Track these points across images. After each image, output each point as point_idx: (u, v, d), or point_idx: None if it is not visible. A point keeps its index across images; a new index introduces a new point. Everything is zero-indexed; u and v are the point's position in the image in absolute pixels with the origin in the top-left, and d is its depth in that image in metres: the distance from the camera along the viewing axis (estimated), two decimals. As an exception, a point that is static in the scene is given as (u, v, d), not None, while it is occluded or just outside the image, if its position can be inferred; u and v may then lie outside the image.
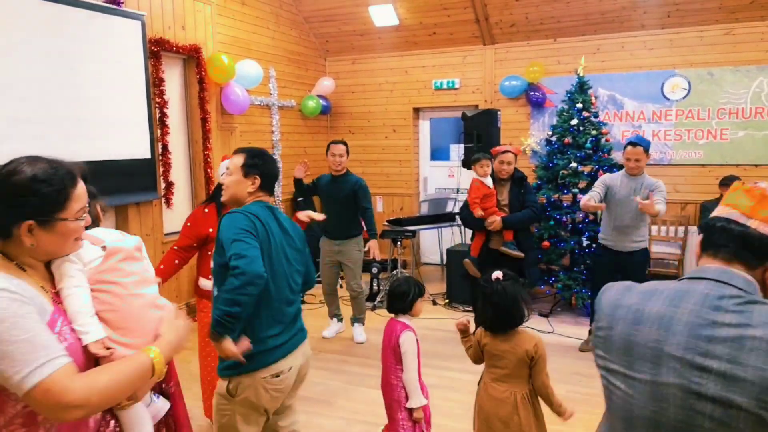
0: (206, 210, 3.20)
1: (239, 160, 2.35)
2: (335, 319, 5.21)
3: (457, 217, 6.21)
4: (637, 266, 4.35)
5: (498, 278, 2.48)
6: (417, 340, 2.78)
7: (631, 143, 4.31)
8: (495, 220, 4.47)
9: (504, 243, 4.55)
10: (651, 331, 1.20)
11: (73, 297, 1.38)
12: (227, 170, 2.43)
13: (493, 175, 4.60)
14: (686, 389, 1.14)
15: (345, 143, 4.86)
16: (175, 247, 3.19)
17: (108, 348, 1.38)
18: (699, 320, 1.16)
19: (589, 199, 4.31)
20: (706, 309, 1.16)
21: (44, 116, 4.18)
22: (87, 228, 1.46)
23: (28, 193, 1.27)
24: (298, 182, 4.82)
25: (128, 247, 1.57)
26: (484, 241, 4.66)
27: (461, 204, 4.86)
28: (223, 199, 2.48)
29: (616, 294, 1.33)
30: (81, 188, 1.37)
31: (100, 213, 1.88)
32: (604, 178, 4.54)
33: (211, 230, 3.13)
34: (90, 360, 1.36)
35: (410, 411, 2.74)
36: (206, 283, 3.14)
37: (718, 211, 1.30)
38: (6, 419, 1.25)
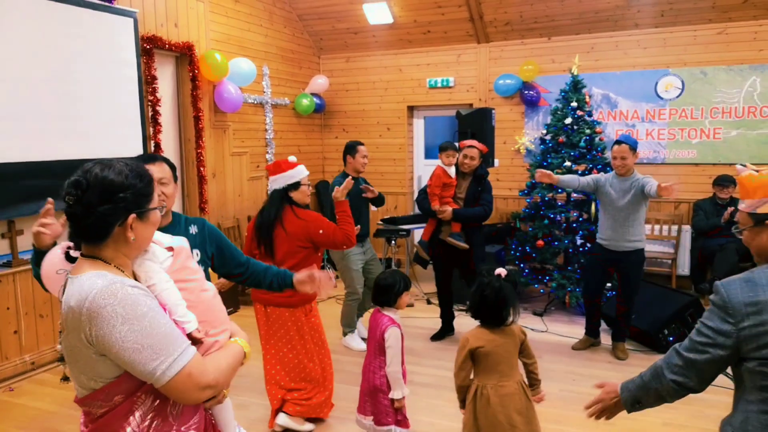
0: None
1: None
2: (357, 331, 4.90)
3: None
4: (632, 266, 4.36)
5: (500, 275, 2.53)
6: (402, 334, 2.86)
7: (617, 141, 4.35)
8: (446, 210, 4.62)
9: (451, 234, 4.70)
10: None
11: (168, 291, 1.46)
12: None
13: (457, 168, 4.74)
14: None
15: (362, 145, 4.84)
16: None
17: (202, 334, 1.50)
18: None
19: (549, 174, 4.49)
20: None
21: (35, 113, 4.15)
22: None
23: (127, 189, 1.36)
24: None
25: (186, 246, 1.63)
26: (435, 227, 4.81)
27: (420, 189, 4.99)
28: None
29: (743, 293, 1.48)
30: (152, 172, 1.50)
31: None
32: (598, 176, 4.57)
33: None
34: None
35: (392, 399, 2.86)
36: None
37: None
38: (137, 421, 1.33)
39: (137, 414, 1.33)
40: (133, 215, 1.36)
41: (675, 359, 1.61)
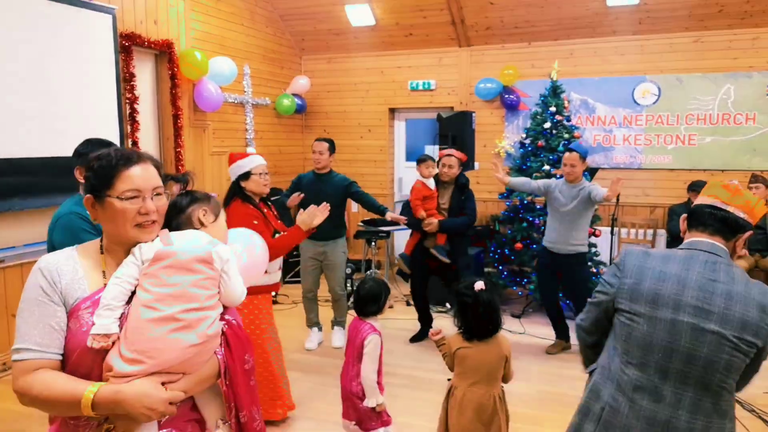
0: (249, 210, 3.30)
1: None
2: (316, 329, 4.95)
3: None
4: (573, 267, 4.52)
5: (481, 289, 2.53)
6: (381, 343, 2.82)
7: (568, 149, 4.50)
8: (432, 223, 4.59)
9: (435, 246, 4.67)
10: (672, 286, 1.72)
11: (107, 287, 1.40)
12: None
13: (437, 178, 4.73)
14: (695, 326, 1.68)
15: (328, 141, 4.76)
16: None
17: (104, 341, 1.35)
18: (703, 279, 1.71)
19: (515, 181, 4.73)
20: (707, 271, 1.72)
21: (10, 110, 4.07)
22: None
23: (89, 168, 1.43)
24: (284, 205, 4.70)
25: (182, 256, 1.43)
26: (418, 240, 4.79)
27: (403, 203, 4.97)
28: None
29: (637, 259, 1.83)
30: (135, 171, 1.42)
31: (201, 218, 1.62)
32: (549, 181, 4.73)
33: (256, 222, 3.21)
34: (97, 352, 1.36)
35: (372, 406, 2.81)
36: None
37: (702, 200, 1.84)
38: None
39: None
40: (89, 195, 1.43)
41: (582, 318, 2.01)
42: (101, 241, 1.48)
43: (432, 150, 7.46)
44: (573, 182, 4.45)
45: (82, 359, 1.35)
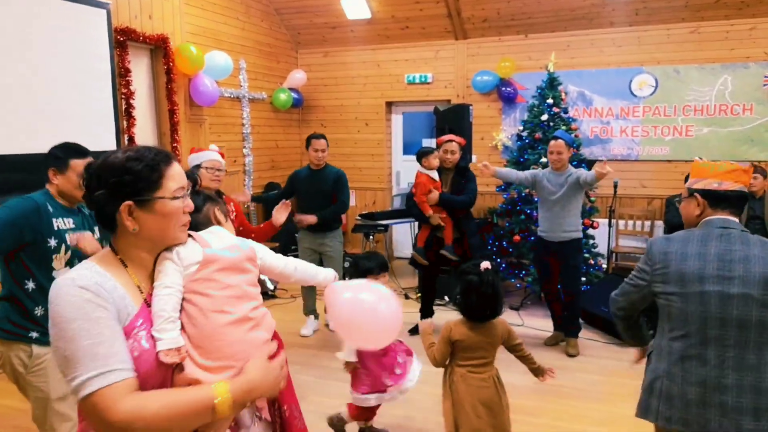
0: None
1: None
2: (312, 317, 5.14)
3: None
4: (570, 254, 4.53)
5: (487, 268, 2.55)
6: None
7: (554, 137, 4.53)
8: (434, 197, 4.60)
9: (444, 247, 4.68)
10: (694, 262, 1.96)
11: (158, 298, 1.28)
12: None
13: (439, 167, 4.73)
14: (721, 293, 1.90)
15: (325, 137, 4.82)
16: None
17: (181, 355, 1.25)
18: (721, 250, 1.94)
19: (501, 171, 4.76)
20: (724, 243, 1.95)
21: (4, 106, 4.04)
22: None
23: (123, 173, 1.25)
24: (267, 201, 4.79)
25: (230, 257, 1.40)
26: (430, 231, 4.78)
27: (407, 195, 4.95)
28: None
29: (661, 245, 2.06)
30: (176, 168, 1.34)
31: (219, 218, 1.61)
32: (536, 171, 4.74)
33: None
34: (166, 370, 1.25)
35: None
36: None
37: (704, 183, 2.07)
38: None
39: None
40: (127, 202, 1.25)
41: (617, 298, 2.24)
42: (115, 253, 1.31)
43: (429, 143, 7.45)
44: (560, 170, 4.47)
45: (148, 379, 1.21)
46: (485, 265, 2.56)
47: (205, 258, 1.35)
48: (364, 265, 3.01)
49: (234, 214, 3.80)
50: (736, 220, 2.01)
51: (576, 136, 5.81)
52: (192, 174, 1.74)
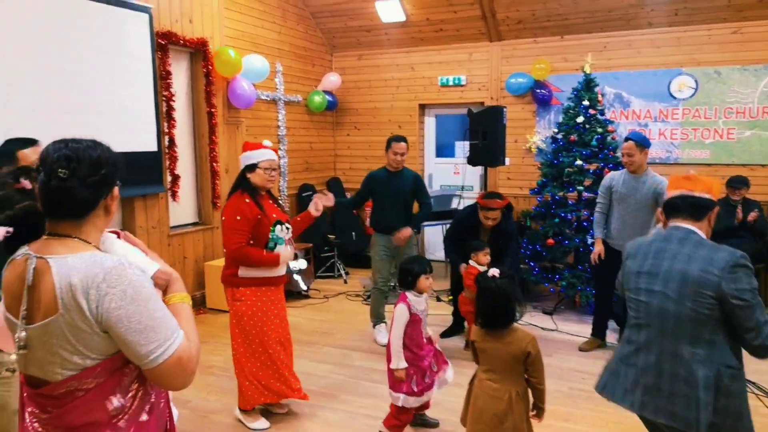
0: (247, 200, 3.23)
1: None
2: (383, 325, 4.89)
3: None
4: None
5: (494, 275, 2.55)
6: (410, 311, 3.08)
7: (626, 138, 4.35)
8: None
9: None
10: (638, 261, 2.16)
11: (132, 252, 1.54)
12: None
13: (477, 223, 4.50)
14: (649, 288, 2.08)
15: (406, 140, 4.71)
16: (243, 243, 3.18)
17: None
18: (658, 249, 2.10)
19: (596, 250, 4.52)
20: (663, 243, 2.10)
21: (51, 107, 4.20)
22: None
23: (110, 163, 1.41)
24: (339, 203, 4.67)
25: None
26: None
27: (449, 227, 4.86)
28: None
29: (630, 246, 2.26)
30: None
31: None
32: (605, 181, 4.54)
33: (258, 216, 3.21)
34: None
35: (393, 371, 3.10)
36: (249, 272, 3.24)
37: (671, 193, 2.17)
38: (123, 392, 1.38)
39: (124, 385, 1.38)
40: (116, 187, 1.44)
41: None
42: (86, 242, 1.42)
43: (462, 146, 7.44)
44: (635, 173, 4.27)
45: None
46: (493, 272, 2.56)
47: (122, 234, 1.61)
48: (415, 269, 3.16)
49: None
50: (689, 226, 2.09)
51: (613, 138, 5.71)
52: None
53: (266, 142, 3.39)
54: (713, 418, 1.92)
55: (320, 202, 3.58)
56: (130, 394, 1.39)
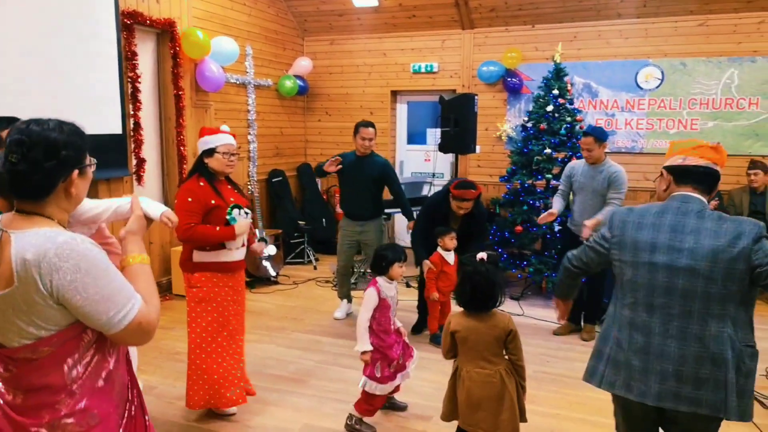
0: (201, 183, 3.15)
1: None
2: (346, 300, 5.18)
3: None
4: None
5: (482, 259, 2.60)
6: (379, 296, 3.13)
7: (584, 132, 4.52)
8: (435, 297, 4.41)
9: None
10: (648, 232, 2.02)
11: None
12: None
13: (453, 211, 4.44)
14: (669, 263, 1.95)
15: (374, 126, 4.77)
16: (192, 224, 3.07)
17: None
18: (674, 223, 1.99)
19: (548, 212, 4.61)
20: (679, 216, 1.99)
21: (13, 88, 4.06)
22: None
23: (69, 146, 1.41)
24: (320, 170, 4.72)
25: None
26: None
27: (418, 213, 4.83)
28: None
29: (621, 215, 2.13)
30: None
31: None
32: (566, 170, 4.71)
33: (213, 201, 3.11)
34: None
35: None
36: (202, 256, 3.15)
37: (673, 160, 2.10)
38: (79, 356, 1.43)
39: (80, 352, 1.43)
40: (76, 171, 1.44)
41: (575, 251, 2.34)
42: (50, 218, 1.46)
43: (434, 133, 7.45)
44: (594, 164, 4.48)
45: None
46: (481, 255, 2.60)
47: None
48: (389, 256, 3.20)
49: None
50: (700, 197, 2.02)
51: (581, 128, 5.79)
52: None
53: (224, 127, 3.41)
54: (737, 399, 1.88)
55: (258, 250, 3.49)
56: (85, 360, 1.43)
